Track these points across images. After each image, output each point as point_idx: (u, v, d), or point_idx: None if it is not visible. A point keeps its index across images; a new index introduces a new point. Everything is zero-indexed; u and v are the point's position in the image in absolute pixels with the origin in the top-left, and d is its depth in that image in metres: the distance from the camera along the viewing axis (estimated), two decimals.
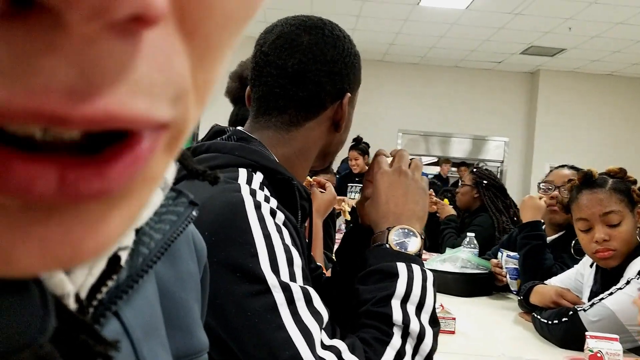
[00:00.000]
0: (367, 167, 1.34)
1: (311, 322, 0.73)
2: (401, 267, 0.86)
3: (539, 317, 1.82)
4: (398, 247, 0.90)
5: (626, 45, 7.31)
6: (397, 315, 0.81)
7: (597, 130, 8.72)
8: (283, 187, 0.89)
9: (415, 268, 0.87)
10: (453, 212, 3.55)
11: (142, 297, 0.36)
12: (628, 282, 1.67)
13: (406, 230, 0.92)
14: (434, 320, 0.85)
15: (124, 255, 0.31)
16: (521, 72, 8.99)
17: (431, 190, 4.32)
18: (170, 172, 0.34)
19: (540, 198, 2.36)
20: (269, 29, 0.97)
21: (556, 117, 8.72)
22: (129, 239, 0.32)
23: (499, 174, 9.05)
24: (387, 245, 0.90)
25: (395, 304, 0.82)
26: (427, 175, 8.04)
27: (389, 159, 1.03)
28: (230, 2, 0.20)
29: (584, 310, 1.69)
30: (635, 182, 1.83)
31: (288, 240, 0.79)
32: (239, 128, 0.97)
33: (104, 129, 0.17)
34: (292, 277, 0.76)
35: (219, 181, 0.56)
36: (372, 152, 2.67)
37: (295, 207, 0.89)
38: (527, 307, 2.00)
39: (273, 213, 0.81)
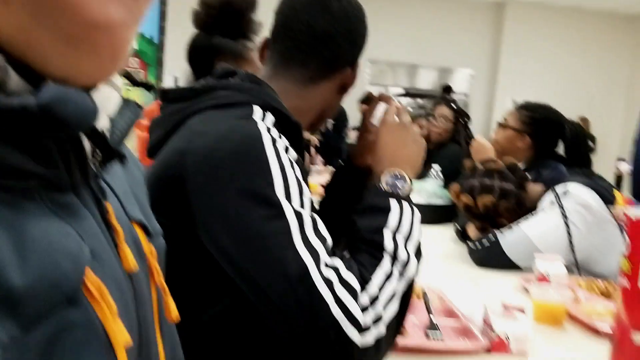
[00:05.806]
0: None
1: (317, 244, 0.84)
2: (394, 203, 0.97)
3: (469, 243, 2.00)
4: (389, 188, 1.00)
5: None
6: (388, 243, 0.92)
7: (562, 66, 8.83)
8: (289, 131, 0.96)
9: (406, 205, 0.98)
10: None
11: (116, 175, 0.48)
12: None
13: (397, 174, 1.02)
14: (419, 252, 0.96)
15: (107, 133, 0.43)
16: (488, 1, 8.94)
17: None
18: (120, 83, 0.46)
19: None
20: None
21: (521, 51, 8.78)
22: (105, 122, 0.42)
23: (463, 106, 9.17)
24: (381, 185, 1.01)
25: (387, 233, 0.93)
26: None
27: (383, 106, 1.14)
28: None
29: (502, 232, 1.89)
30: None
31: (299, 175, 0.89)
32: (250, 72, 1.04)
33: None
34: (302, 205, 0.86)
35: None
36: None
37: (298, 152, 0.96)
38: (462, 239, 2.18)
39: (286, 149, 0.90)
